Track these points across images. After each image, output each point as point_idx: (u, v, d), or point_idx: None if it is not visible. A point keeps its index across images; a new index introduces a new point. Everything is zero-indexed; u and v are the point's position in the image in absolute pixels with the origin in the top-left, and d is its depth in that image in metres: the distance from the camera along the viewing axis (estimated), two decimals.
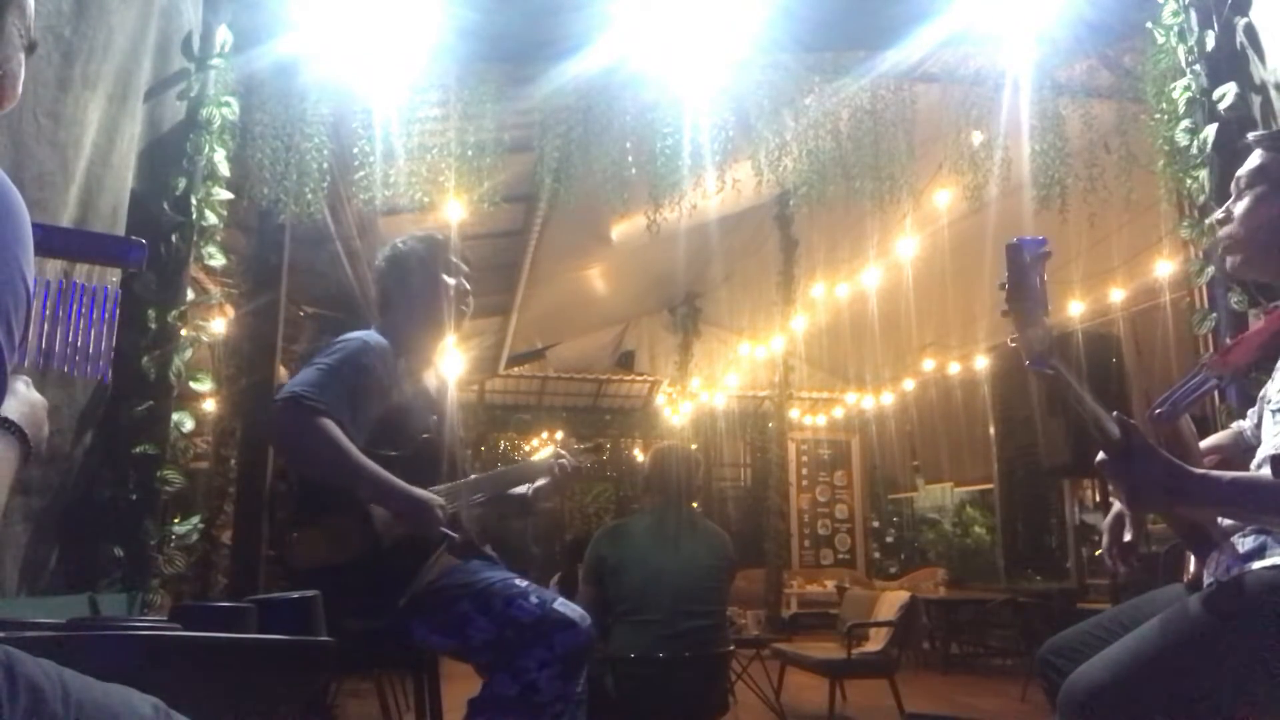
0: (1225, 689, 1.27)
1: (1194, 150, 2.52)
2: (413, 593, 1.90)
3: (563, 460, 2.29)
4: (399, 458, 1.99)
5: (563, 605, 1.92)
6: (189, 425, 2.52)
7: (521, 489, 2.32)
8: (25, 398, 1.01)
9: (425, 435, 2.10)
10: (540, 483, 2.30)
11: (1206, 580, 1.44)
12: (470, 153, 3.33)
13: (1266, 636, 1.27)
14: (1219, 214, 1.59)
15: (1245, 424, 1.66)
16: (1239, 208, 1.54)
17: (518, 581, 1.97)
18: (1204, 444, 1.63)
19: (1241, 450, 1.63)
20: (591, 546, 3.39)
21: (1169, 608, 1.39)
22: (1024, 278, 1.40)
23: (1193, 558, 1.51)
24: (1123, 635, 1.42)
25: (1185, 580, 1.53)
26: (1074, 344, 7.36)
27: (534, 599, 1.91)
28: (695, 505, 3.63)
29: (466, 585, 1.94)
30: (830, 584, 10.14)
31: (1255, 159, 1.55)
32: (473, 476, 2.18)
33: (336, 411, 1.90)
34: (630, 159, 3.42)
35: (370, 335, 2.12)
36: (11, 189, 0.81)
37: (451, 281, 2.22)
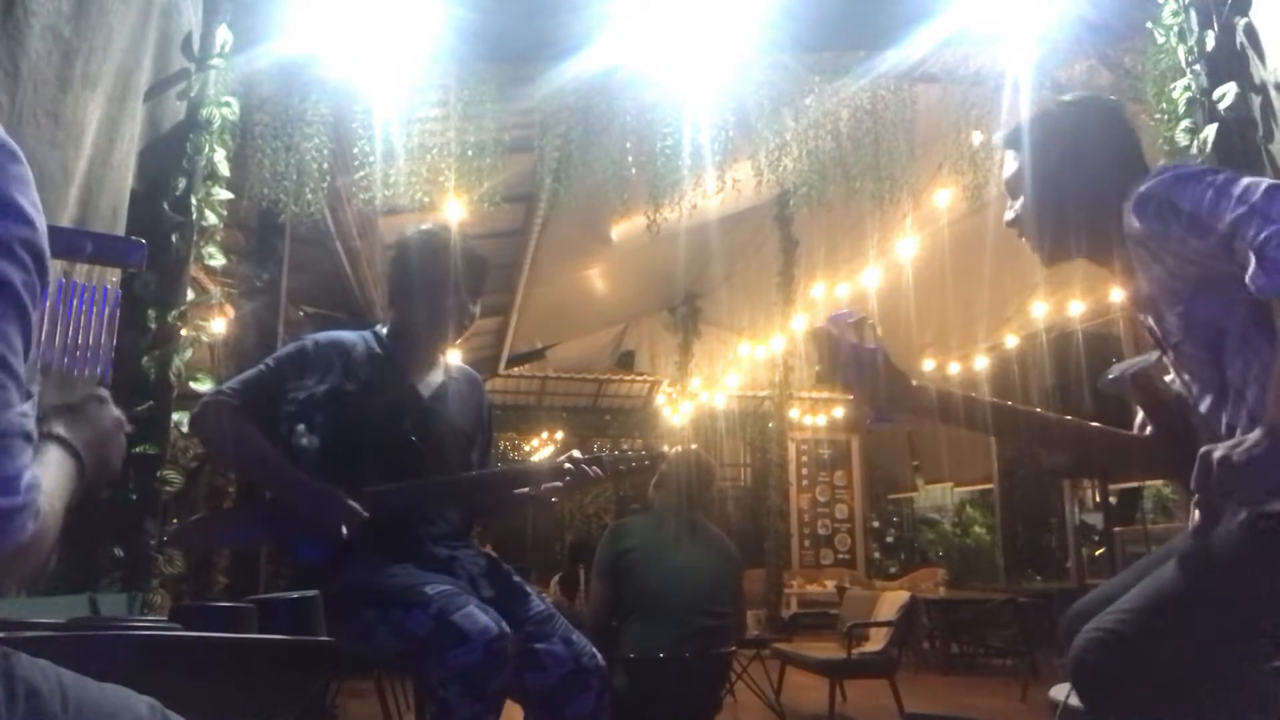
0: (1217, 640, 1.29)
1: (1194, 150, 2.51)
2: (329, 593, 1.80)
3: (569, 467, 2.11)
4: (363, 457, 1.98)
5: (463, 617, 1.74)
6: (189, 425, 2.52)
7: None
8: (94, 418, 0.96)
9: (409, 435, 2.06)
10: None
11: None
12: (470, 153, 3.34)
13: (1243, 587, 1.29)
14: (1009, 217, 1.66)
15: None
16: (1018, 205, 1.63)
17: (425, 589, 1.81)
18: None
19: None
20: (607, 543, 3.31)
21: (1167, 562, 1.41)
22: (835, 352, 1.50)
23: (1195, 508, 1.51)
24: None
25: (1192, 528, 1.53)
26: (1074, 344, 7.37)
27: (432, 609, 1.75)
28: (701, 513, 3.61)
29: (375, 592, 1.84)
30: (830, 584, 10.14)
31: (1011, 162, 1.65)
32: (439, 478, 2.10)
33: (256, 408, 1.94)
34: (630, 159, 3.42)
35: (329, 335, 2.13)
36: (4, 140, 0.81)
37: (442, 293, 2.12)
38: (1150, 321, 1.50)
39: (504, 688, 1.78)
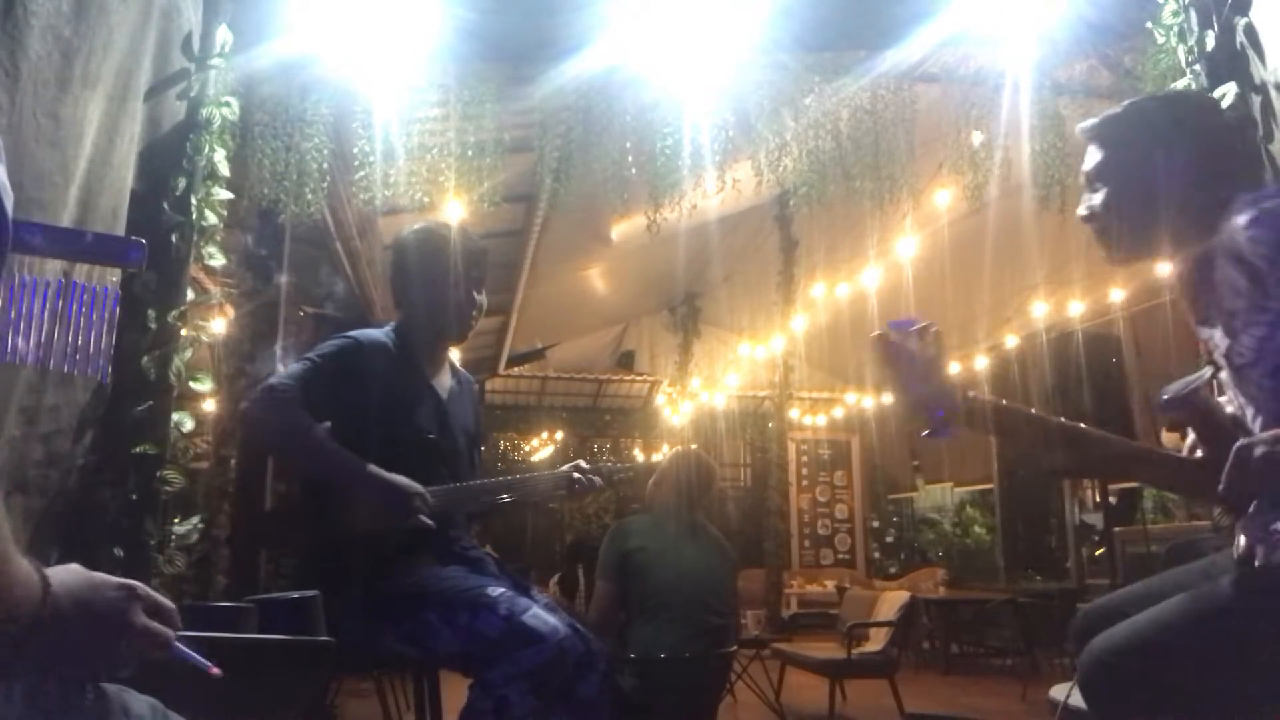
0: (1245, 673, 1.26)
1: None
2: (382, 594, 1.87)
3: (578, 478, 2.21)
4: (396, 457, 1.97)
5: (532, 618, 1.81)
6: (189, 425, 2.51)
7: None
8: (98, 595, 0.82)
9: (430, 436, 2.09)
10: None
11: (1258, 560, 1.39)
12: (470, 153, 3.33)
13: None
14: (1084, 212, 1.59)
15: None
16: (1098, 199, 1.56)
17: (489, 590, 1.87)
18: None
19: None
20: (613, 541, 3.29)
21: (1208, 582, 1.36)
22: (892, 362, 1.42)
23: (1243, 532, 1.46)
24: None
25: (1237, 553, 1.48)
26: (1074, 344, 7.37)
27: (502, 611, 1.81)
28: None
29: (437, 593, 1.87)
30: (830, 584, 10.14)
31: (1095, 154, 1.57)
32: (476, 482, 2.15)
33: (313, 402, 1.91)
34: (630, 159, 3.42)
35: (368, 333, 2.13)
36: None
37: (454, 288, 2.15)
38: (1216, 337, 1.43)
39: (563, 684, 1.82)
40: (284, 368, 4.11)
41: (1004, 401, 1.50)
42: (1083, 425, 1.51)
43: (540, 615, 1.83)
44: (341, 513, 1.93)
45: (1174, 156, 1.48)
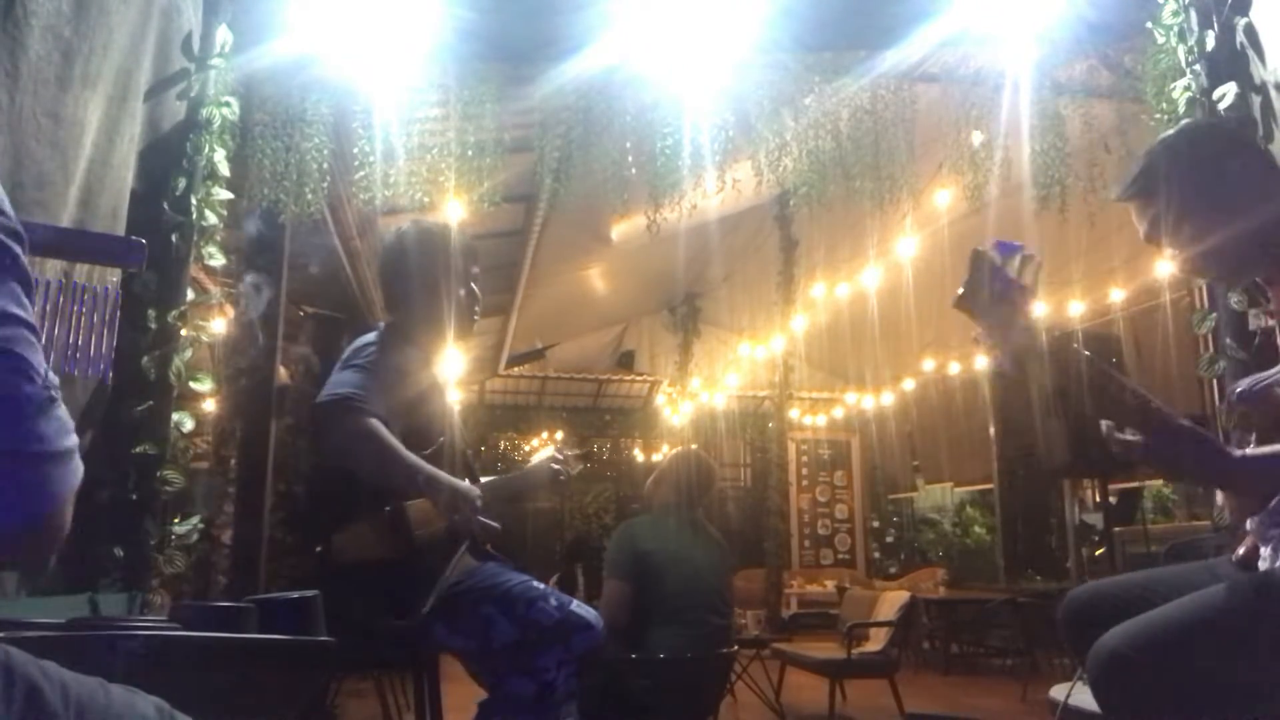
0: (1262, 676, 1.26)
1: None
2: (437, 594, 1.92)
3: (560, 470, 2.38)
4: (425, 459, 1.98)
5: (579, 607, 1.99)
6: (189, 425, 2.52)
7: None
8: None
9: (442, 437, 2.10)
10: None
11: (1262, 563, 1.39)
12: (470, 153, 3.33)
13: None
14: (1180, 269, 1.57)
15: None
16: (1172, 252, 1.53)
17: (536, 584, 2.01)
18: None
19: None
20: (626, 541, 3.25)
21: (1220, 582, 1.35)
22: (988, 280, 1.37)
23: (1248, 536, 1.46)
24: (1158, 600, 1.39)
25: (1236, 558, 1.48)
26: (1074, 344, 7.37)
27: (554, 601, 1.97)
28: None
29: (489, 588, 1.97)
30: (830, 584, 10.15)
31: (1142, 213, 1.54)
32: (483, 479, 2.20)
33: (380, 411, 1.90)
34: (630, 159, 3.42)
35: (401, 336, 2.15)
36: None
37: (458, 284, 2.17)
38: None
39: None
40: (284, 368, 4.11)
41: (1087, 352, 1.43)
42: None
43: (582, 605, 2.01)
44: (401, 522, 1.91)
45: (1223, 179, 1.46)
